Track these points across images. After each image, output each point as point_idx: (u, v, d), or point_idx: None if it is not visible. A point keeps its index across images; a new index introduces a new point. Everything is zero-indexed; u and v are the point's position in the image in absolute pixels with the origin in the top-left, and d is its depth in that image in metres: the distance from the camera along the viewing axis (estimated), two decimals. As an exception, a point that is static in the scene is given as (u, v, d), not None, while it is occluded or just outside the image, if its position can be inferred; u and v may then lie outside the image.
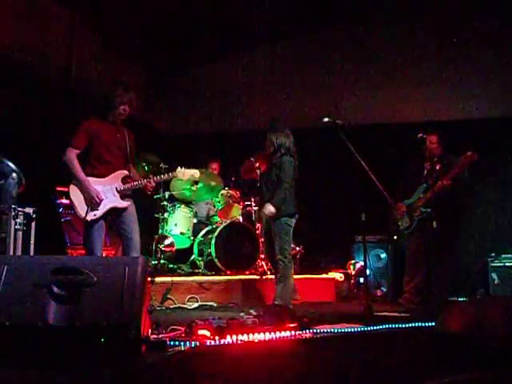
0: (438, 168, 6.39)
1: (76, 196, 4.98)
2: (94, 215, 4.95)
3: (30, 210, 5.42)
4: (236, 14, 7.61)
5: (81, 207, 4.94)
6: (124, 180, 5.15)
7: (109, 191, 5.05)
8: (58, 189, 6.32)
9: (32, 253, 5.35)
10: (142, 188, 5.19)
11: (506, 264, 7.17)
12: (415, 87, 8.42)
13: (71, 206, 5.84)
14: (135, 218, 5.25)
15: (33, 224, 5.42)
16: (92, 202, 4.92)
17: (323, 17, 8.11)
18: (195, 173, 5.48)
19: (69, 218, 6.30)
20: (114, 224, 5.21)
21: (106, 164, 5.09)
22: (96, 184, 5.00)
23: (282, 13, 7.73)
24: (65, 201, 6.30)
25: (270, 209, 5.85)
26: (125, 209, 5.11)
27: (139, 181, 5.18)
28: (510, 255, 7.24)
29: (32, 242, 5.41)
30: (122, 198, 5.11)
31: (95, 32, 7.52)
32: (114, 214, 5.10)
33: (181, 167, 5.41)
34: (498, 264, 7.17)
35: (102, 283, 2.78)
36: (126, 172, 5.18)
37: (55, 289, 2.78)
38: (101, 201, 4.96)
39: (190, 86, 8.78)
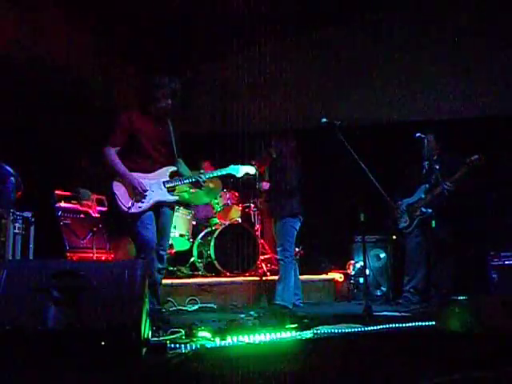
0: (437, 167, 6.38)
1: (119, 190, 4.73)
2: (139, 207, 4.70)
3: (28, 214, 5.43)
4: (233, 14, 7.60)
5: (125, 200, 4.70)
6: (172, 175, 4.91)
7: (155, 185, 4.80)
8: (57, 192, 6.31)
9: (31, 257, 5.36)
10: (192, 184, 5.02)
11: (506, 263, 7.17)
12: (413, 87, 8.41)
13: (71, 210, 5.85)
14: (171, 226, 5.09)
15: (32, 228, 5.43)
16: (137, 193, 4.68)
17: (319, 18, 8.10)
18: (250, 169, 5.34)
19: (68, 222, 6.29)
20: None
21: (149, 159, 4.83)
22: (141, 179, 4.75)
23: (277, 13, 7.73)
24: (64, 204, 6.30)
25: (264, 184, 6.20)
26: (174, 203, 4.93)
27: (189, 177, 4.96)
28: (509, 253, 7.24)
29: (31, 245, 5.42)
30: (170, 192, 4.88)
31: (90, 32, 7.51)
32: (159, 210, 4.86)
33: (234, 164, 5.24)
34: (498, 263, 7.17)
35: (101, 287, 2.78)
36: (174, 168, 4.94)
37: (55, 293, 2.78)
38: (145, 191, 4.70)
39: (186, 86, 8.76)
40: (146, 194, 4.73)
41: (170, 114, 4.96)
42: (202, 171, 5.04)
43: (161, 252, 4.84)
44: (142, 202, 4.73)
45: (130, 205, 4.68)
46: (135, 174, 4.75)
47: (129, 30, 7.43)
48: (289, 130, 6.34)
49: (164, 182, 4.85)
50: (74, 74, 7.12)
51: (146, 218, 4.75)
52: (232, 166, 5.23)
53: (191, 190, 7.41)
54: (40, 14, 6.36)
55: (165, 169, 4.90)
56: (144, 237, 4.70)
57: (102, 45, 7.72)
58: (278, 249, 6.10)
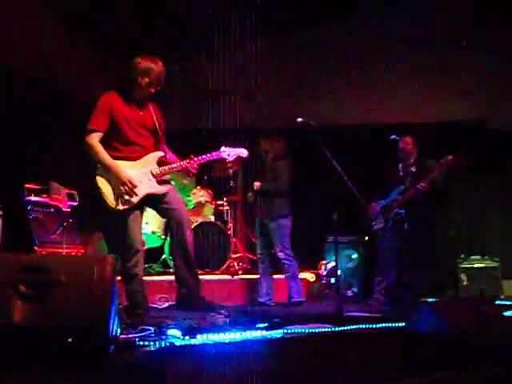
0: (414, 170, 6.42)
1: (104, 184, 4.43)
2: (128, 203, 4.44)
3: (-4, 207, 5.34)
4: (216, 11, 7.57)
5: (111, 195, 4.42)
6: (160, 162, 4.63)
7: (143, 176, 4.52)
8: (27, 186, 6.21)
9: (-1, 250, 5.27)
10: (182, 170, 4.69)
11: (475, 265, 7.27)
12: (390, 88, 8.47)
13: (41, 204, 5.75)
14: (180, 199, 4.83)
15: (0, 221, 5.34)
16: (125, 189, 4.40)
17: (297, 19, 8.11)
18: (242, 152, 5.02)
19: (38, 216, 6.19)
20: (158, 211, 4.81)
21: (133, 145, 4.53)
22: (127, 168, 4.46)
23: (254, 13, 7.72)
24: (33, 198, 6.20)
25: (256, 185, 6.28)
26: (165, 194, 4.60)
27: (178, 163, 4.67)
28: (478, 257, 7.34)
29: (-1, 239, 5.34)
30: (160, 183, 4.61)
31: (68, 26, 7.41)
32: (153, 200, 4.63)
33: (225, 146, 4.92)
34: (467, 265, 7.26)
35: (70, 282, 2.72)
36: (161, 153, 4.66)
37: (22, 287, 2.72)
38: (134, 187, 4.42)
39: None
40: (136, 189, 4.46)
41: (151, 99, 4.71)
42: (191, 156, 4.77)
43: (186, 218, 4.74)
44: (132, 197, 4.47)
45: (115, 201, 4.43)
46: (120, 163, 4.47)
47: (103, 20, 7.35)
48: (277, 130, 6.36)
49: (152, 171, 4.58)
50: (46, 62, 7.00)
51: (133, 217, 4.54)
52: (223, 148, 4.92)
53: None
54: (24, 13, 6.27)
55: (151, 155, 4.63)
56: (127, 238, 4.51)
57: (74, 32, 7.61)
58: (278, 249, 6.26)
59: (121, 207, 4.43)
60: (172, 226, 4.70)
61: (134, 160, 4.54)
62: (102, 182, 4.46)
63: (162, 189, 4.60)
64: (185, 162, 4.65)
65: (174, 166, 4.64)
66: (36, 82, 6.83)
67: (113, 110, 4.49)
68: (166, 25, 7.64)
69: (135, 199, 4.47)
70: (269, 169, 6.37)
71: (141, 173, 4.52)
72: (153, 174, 4.57)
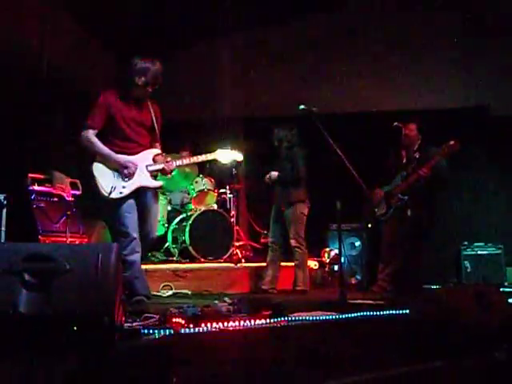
0: (417, 156, 6.41)
1: (100, 173, 4.61)
2: (120, 193, 4.61)
3: (1, 197, 5.34)
4: (209, 1, 7.56)
5: (105, 184, 4.59)
6: (155, 159, 4.81)
7: (139, 169, 4.69)
8: (31, 175, 6.21)
9: (3, 239, 5.28)
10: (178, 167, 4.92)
11: (478, 252, 7.27)
12: (393, 75, 8.45)
13: (45, 193, 5.77)
14: (158, 213, 5.08)
15: (4, 211, 5.34)
16: (128, 173, 4.59)
17: (300, 5, 8.09)
18: (238, 156, 5.29)
19: (41, 205, 6.20)
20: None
21: (129, 142, 4.73)
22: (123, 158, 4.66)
23: (254, 1, 7.70)
24: (37, 187, 6.19)
25: (273, 174, 6.35)
26: (158, 188, 4.85)
27: (172, 161, 4.85)
28: (482, 244, 7.33)
29: (3, 228, 5.34)
30: (154, 178, 4.79)
31: (68, 17, 7.40)
32: (142, 194, 4.76)
33: (221, 149, 5.15)
34: (471, 252, 7.26)
35: (74, 271, 2.73)
36: (157, 150, 4.85)
37: (27, 276, 2.72)
38: (136, 166, 4.61)
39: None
40: (130, 181, 4.63)
41: (149, 97, 4.86)
42: (183, 154, 4.98)
43: (144, 236, 4.80)
44: (124, 187, 4.64)
45: (110, 189, 4.57)
46: (119, 156, 4.66)
47: (105, 14, 7.34)
48: (290, 118, 6.38)
49: (147, 166, 4.74)
50: (49, 55, 7.01)
51: (127, 206, 4.68)
52: (219, 150, 5.16)
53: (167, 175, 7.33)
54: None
55: (147, 152, 4.81)
56: (122, 226, 4.65)
57: (78, 27, 7.62)
58: (291, 235, 6.33)
59: (113, 196, 4.58)
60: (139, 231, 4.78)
61: (131, 155, 4.71)
62: (97, 171, 4.63)
63: (155, 183, 4.81)
64: (180, 161, 4.91)
65: (168, 163, 4.82)
66: (37, 71, 6.83)
67: (110, 107, 4.66)
68: (166, 15, 7.62)
69: (127, 190, 4.63)
70: (284, 157, 6.40)
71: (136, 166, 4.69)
72: (147, 169, 4.74)
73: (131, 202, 4.71)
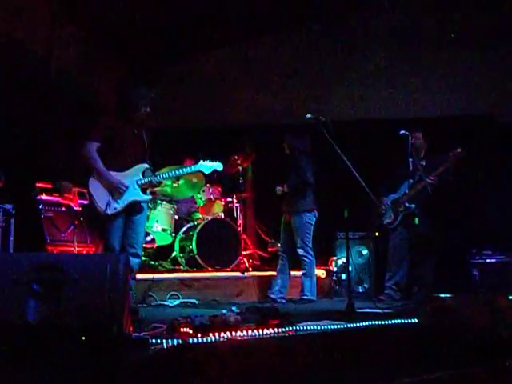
0: (423, 164, 6.40)
1: (95, 189, 4.91)
2: (115, 209, 4.89)
3: (9, 207, 5.37)
4: (220, 9, 7.57)
5: (101, 201, 4.87)
6: (145, 174, 5.09)
7: (129, 184, 4.97)
8: (38, 185, 6.24)
9: (12, 249, 5.29)
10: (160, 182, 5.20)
11: (487, 260, 7.22)
12: (400, 84, 8.45)
13: (53, 202, 5.81)
14: (143, 228, 5.31)
15: (12, 220, 5.36)
16: (118, 192, 4.86)
17: (308, 12, 8.10)
18: (218, 166, 5.53)
19: (49, 215, 6.22)
20: (128, 219, 5.13)
21: (123, 158, 5.02)
22: (117, 177, 4.94)
23: (264, 8, 7.71)
24: (45, 197, 6.23)
25: (278, 188, 6.39)
26: (147, 201, 5.15)
27: (160, 173, 5.17)
28: (491, 252, 7.29)
29: (11, 238, 5.36)
30: (143, 191, 5.06)
31: (76, 23, 7.43)
32: (134, 209, 5.04)
33: (203, 160, 5.43)
34: (480, 260, 7.21)
35: (83, 281, 2.74)
36: (146, 165, 5.12)
37: (35, 286, 2.73)
38: (126, 187, 4.89)
39: (166, 82, 8.72)
40: (123, 196, 4.92)
41: (145, 120, 5.20)
42: (169, 169, 5.33)
43: (132, 252, 4.98)
44: (118, 203, 4.92)
45: (105, 206, 4.85)
46: (111, 173, 4.93)
47: (112, 22, 7.38)
48: (303, 127, 6.38)
49: (137, 181, 5.02)
50: (55, 65, 7.04)
51: (117, 224, 4.96)
52: (201, 162, 5.44)
53: (174, 184, 7.36)
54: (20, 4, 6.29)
55: (138, 167, 5.08)
56: (108, 245, 4.96)
57: (85, 37, 7.66)
58: (298, 245, 6.32)
59: (108, 212, 4.87)
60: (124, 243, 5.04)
61: (123, 170, 5.00)
62: (93, 187, 4.93)
63: (145, 197, 5.10)
64: (166, 174, 5.21)
65: (157, 177, 5.13)
66: (46, 81, 6.86)
67: (112, 128, 5.01)
68: (174, 23, 7.66)
69: (121, 206, 4.92)
70: (291, 166, 6.40)
71: (128, 182, 4.98)
72: (138, 184, 5.02)
73: (120, 220, 4.99)
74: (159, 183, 5.28)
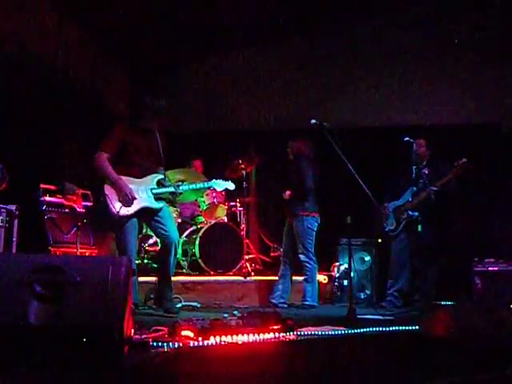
0: (426, 172, 6.40)
1: (111, 192, 5.04)
2: (128, 211, 5.02)
3: (12, 208, 5.37)
4: (223, 14, 7.59)
5: (115, 203, 5.01)
6: (159, 183, 5.23)
7: (143, 191, 5.13)
8: (42, 186, 6.25)
9: (14, 250, 5.30)
10: (174, 193, 5.28)
11: (489, 268, 7.19)
12: (404, 91, 8.46)
13: (56, 204, 5.84)
14: (172, 218, 5.45)
15: (15, 221, 5.37)
16: (125, 200, 4.98)
17: (311, 19, 8.12)
18: (230, 185, 5.73)
19: (53, 216, 6.23)
20: (150, 225, 5.37)
21: (138, 167, 5.15)
22: (130, 183, 5.07)
23: (268, 14, 7.73)
24: (48, 198, 6.23)
25: (287, 192, 6.39)
26: (159, 210, 5.19)
27: (173, 185, 5.30)
28: (493, 260, 7.26)
29: (14, 239, 5.37)
30: (157, 199, 5.17)
31: (81, 30, 7.46)
32: (149, 215, 5.19)
33: (216, 179, 5.66)
34: (482, 269, 7.19)
35: (85, 283, 2.74)
36: (161, 176, 5.26)
37: (37, 288, 2.74)
38: (133, 198, 5.01)
39: (174, 85, 8.74)
40: (135, 201, 5.05)
41: (156, 128, 5.27)
42: (179, 184, 5.51)
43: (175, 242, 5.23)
44: (130, 207, 5.03)
45: (119, 208, 4.97)
46: (124, 178, 5.06)
47: (116, 29, 7.41)
48: (306, 132, 6.39)
49: (151, 189, 5.15)
50: (61, 66, 7.07)
51: (132, 225, 5.13)
52: (214, 180, 5.64)
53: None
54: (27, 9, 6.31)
55: (152, 176, 5.22)
56: (122, 244, 5.10)
57: (92, 40, 7.69)
58: (300, 250, 6.33)
59: (122, 213, 5.00)
60: (161, 246, 5.35)
61: (137, 178, 5.14)
62: (108, 190, 5.05)
63: (157, 205, 5.18)
64: (181, 187, 5.33)
65: (170, 188, 5.25)
66: (51, 83, 6.88)
67: (125, 139, 5.13)
68: (178, 28, 7.69)
69: (133, 209, 5.05)
70: (295, 169, 6.40)
71: (141, 188, 5.14)
72: (152, 192, 5.16)
73: (134, 221, 5.15)
74: (180, 194, 5.36)
